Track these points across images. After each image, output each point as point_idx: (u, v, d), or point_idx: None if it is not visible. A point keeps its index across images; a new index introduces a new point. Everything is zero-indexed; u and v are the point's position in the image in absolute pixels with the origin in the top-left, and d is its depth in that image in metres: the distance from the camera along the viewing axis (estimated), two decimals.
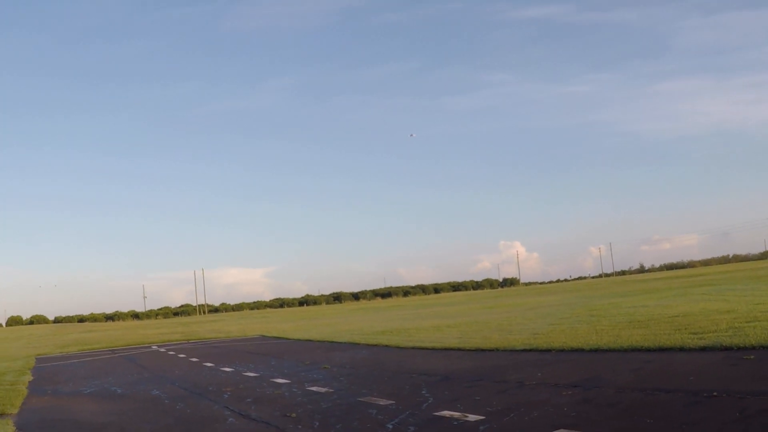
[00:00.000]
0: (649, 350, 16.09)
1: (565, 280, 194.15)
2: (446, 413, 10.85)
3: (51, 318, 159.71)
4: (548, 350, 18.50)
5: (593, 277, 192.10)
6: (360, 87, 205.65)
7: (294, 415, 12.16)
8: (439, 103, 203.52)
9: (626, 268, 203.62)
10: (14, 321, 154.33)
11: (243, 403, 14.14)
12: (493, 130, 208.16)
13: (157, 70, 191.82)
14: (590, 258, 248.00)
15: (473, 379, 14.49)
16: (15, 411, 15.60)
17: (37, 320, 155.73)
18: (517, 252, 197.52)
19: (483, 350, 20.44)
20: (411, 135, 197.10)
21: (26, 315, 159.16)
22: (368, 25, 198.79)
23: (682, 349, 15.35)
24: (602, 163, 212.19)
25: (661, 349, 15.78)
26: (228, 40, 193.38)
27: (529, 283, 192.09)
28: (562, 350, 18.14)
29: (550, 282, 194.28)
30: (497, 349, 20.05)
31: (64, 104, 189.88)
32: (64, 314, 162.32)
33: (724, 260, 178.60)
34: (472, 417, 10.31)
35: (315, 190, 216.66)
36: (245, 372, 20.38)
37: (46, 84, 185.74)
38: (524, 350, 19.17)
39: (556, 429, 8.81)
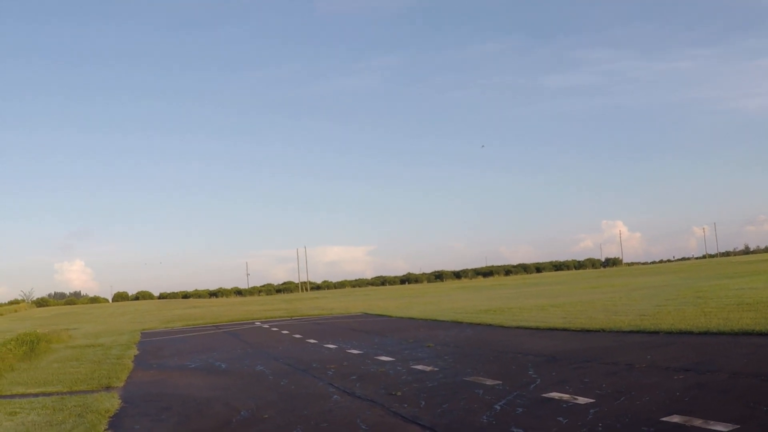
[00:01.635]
0: (761, 334, 15.73)
1: (668, 260, 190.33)
2: (555, 395, 10.75)
3: (156, 294, 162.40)
4: (656, 332, 18.22)
5: (697, 258, 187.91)
6: (457, 67, 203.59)
7: (399, 393, 12.19)
8: (536, 82, 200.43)
9: (730, 249, 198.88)
10: (120, 297, 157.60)
11: (347, 381, 14.23)
12: (592, 108, 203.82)
13: (253, 54, 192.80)
14: (693, 238, 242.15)
15: (581, 361, 14.34)
16: (121, 384, 16.00)
17: (143, 296, 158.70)
18: (620, 231, 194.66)
19: (589, 331, 20.24)
20: (482, 146, 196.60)
21: (132, 291, 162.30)
22: (466, 4, 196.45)
23: None
24: (705, 141, 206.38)
25: None
26: (324, 23, 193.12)
27: (632, 263, 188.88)
28: (670, 332, 17.85)
29: (653, 262, 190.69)
30: (603, 330, 19.83)
31: (165, 91, 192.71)
32: (168, 290, 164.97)
33: None
34: (581, 400, 10.19)
35: (415, 171, 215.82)
36: (349, 349, 20.52)
37: (147, 71, 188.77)
38: (631, 332, 18.92)
39: (670, 414, 8.63)
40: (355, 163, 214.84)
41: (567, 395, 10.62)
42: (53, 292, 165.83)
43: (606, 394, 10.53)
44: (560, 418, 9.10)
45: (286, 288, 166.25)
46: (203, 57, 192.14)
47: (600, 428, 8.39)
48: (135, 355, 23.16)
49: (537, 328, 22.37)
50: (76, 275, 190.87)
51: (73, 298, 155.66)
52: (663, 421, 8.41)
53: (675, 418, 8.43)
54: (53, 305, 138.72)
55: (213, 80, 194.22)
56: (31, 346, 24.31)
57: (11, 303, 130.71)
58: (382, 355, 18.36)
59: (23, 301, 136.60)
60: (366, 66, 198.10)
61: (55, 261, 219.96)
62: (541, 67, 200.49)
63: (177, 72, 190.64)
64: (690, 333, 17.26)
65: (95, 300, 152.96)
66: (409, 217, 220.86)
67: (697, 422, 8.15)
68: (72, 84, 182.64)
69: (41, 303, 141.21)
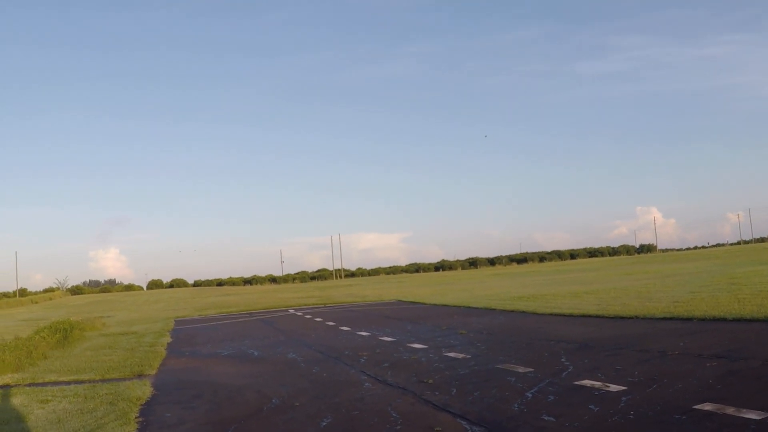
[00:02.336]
0: None
1: (703, 246, 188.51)
2: (587, 382, 10.70)
3: (190, 282, 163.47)
4: (689, 319, 18.08)
5: (731, 244, 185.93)
6: (491, 53, 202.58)
7: (431, 381, 12.17)
8: (570, 68, 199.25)
9: (765, 235, 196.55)
10: (155, 285, 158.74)
11: (379, 368, 14.24)
12: (625, 95, 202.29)
13: (288, 41, 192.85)
14: (728, 224, 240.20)
15: (613, 348, 14.25)
16: (153, 372, 16.11)
17: (177, 284, 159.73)
18: (654, 218, 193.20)
19: (622, 318, 20.13)
20: (485, 136, 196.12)
21: (166, 279, 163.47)
22: None
23: None
24: (739, 126, 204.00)
25: None
26: (358, 9, 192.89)
27: (666, 250, 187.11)
28: (703, 319, 17.70)
29: (688, 249, 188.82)
30: (637, 317, 19.70)
31: (199, 78, 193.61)
32: (203, 278, 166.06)
33: None
34: (613, 387, 10.12)
35: (449, 158, 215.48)
36: (381, 336, 20.54)
37: (179, 58, 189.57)
38: (664, 318, 18.79)
39: (702, 402, 8.55)
40: (390, 150, 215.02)
41: (599, 383, 10.56)
42: (88, 280, 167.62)
43: (638, 381, 10.45)
44: (592, 406, 9.05)
45: (321, 275, 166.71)
46: (238, 44, 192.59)
47: (632, 416, 8.33)
48: (168, 343, 23.33)
49: (570, 315, 22.31)
50: (111, 263, 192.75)
51: (108, 286, 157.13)
52: (695, 409, 8.34)
53: (707, 406, 8.36)
54: (88, 293, 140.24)
55: (248, 67, 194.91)
56: (65, 333, 24.52)
57: (46, 291, 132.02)
58: (414, 342, 18.35)
59: (58, 289, 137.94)
60: (400, 52, 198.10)
61: (89, 249, 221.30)
62: (574, 54, 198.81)
63: (212, 59, 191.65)
64: (723, 320, 17.10)
65: (130, 288, 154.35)
66: (444, 204, 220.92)
67: (730, 410, 8.08)
68: (108, 71, 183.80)
69: (76, 291, 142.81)
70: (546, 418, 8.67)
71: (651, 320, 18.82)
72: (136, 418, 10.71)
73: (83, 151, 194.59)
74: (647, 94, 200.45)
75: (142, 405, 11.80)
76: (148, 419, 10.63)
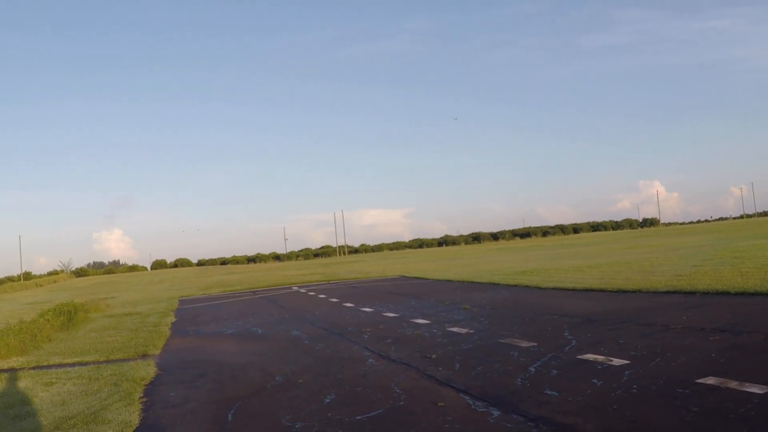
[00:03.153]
0: None
1: (706, 220, 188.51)
2: (590, 356, 10.70)
3: (194, 261, 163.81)
4: (692, 293, 18.08)
5: (734, 218, 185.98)
6: (492, 28, 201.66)
7: (434, 356, 12.19)
8: (572, 43, 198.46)
9: None
10: (159, 265, 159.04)
11: (383, 344, 14.26)
12: (628, 68, 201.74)
13: (285, 19, 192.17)
14: (731, 198, 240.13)
15: (616, 322, 14.25)
16: (157, 352, 16.14)
17: (181, 263, 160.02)
18: (657, 191, 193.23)
19: (625, 291, 20.14)
20: (455, 118, 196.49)
21: (170, 259, 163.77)
22: None
23: None
24: (742, 99, 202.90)
25: None
26: None
27: (669, 224, 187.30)
28: (706, 293, 17.69)
29: (691, 222, 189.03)
30: (639, 291, 19.72)
31: (198, 57, 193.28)
32: (207, 257, 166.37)
33: None
34: (616, 361, 10.13)
35: (452, 133, 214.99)
36: (385, 312, 20.55)
37: (178, 39, 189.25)
38: (667, 292, 18.79)
39: (705, 376, 8.53)
40: (392, 127, 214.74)
41: (602, 357, 10.57)
42: (92, 262, 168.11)
43: (641, 355, 10.45)
44: (595, 380, 9.05)
45: (324, 252, 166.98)
46: (236, 23, 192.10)
47: (634, 390, 8.33)
48: (172, 323, 23.38)
49: (573, 289, 22.32)
50: (115, 244, 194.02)
51: (112, 267, 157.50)
52: (698, 382, 8.33)
53: (710, 380, 8.35)
54: (92, 275, 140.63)
55: (246, 46, 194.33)
56: (69, 316, 24.55)
57: (51, 274, 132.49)
58: (418, 317, 18.38)
59: (62, 271, 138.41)
60: (399, 29, 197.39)
61: (93, 231, 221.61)
62: (576, 27, 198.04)
63: (210, 39, 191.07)
64: (726, 293, 17.09)
65: (134, 268, 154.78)
66: (447, 179, 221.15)
67: (733, 384, 8.07)
68: (109, 54, 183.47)
69: (80, 273, 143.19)
70: (549, 392, 8.67)
71: (654, 294, 18.82)
72: (140, 398, 10.73)
73: (85, 133, 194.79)
74: (650, 68, 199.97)
75: (146, 385, 11.82)
76: (152, 399, 10.65)
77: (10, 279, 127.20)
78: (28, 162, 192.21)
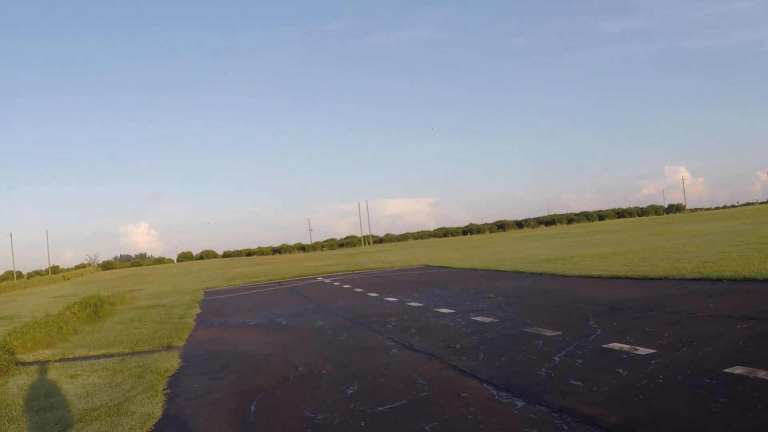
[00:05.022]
0: None
1: (732, 206, 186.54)
2: (615, 346, 10.59)
3: (220, 253, 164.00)
4: (719, 279, 17.87)
5: (761, 203, 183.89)
6: (512, 14, 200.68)
7: (458, 346, 12.12)
8: (593, 27, 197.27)
9: None
10: (185, 257, 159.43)
11: (406, 334, 14.21)
12: (651, 52, 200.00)
13: (307, 10, 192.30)
14: (758, 183, 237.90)
15: (642, 310, 14.11)
16: (182, 344, 16.18)
17: (207, 255, 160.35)
18: (683, 177, 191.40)
19: (651, 279, 19.95)
20: (431, 128, 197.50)
21: (196, 251, 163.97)
22: None
23: None
24: None
25: None
26: None
27: (695, 209, 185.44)
28: (734, 279, 17.47)
29: (717, 208, 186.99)
30: (666, 278, 19.53)
31: (223, 49, 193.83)
32: (232, 249, 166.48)
33: None
34: (642, 350, 10.01)
35: (475, 121, 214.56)
36: (409, 302, 20.49)
37: (201, 30, 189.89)
38: (694, 279, 18.61)
39: (733, 366, 8.40)
40: (415, 116, 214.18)
41: (628, 346, 10.46)
42: (119, 255, 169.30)
43: (667, 344, 10.33)
44: (620, 370, 8.95)
45: (349, 242, 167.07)
46: (259, 14, 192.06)
47: (661, 380, 8.22)
48: (197, 314, 23.44)
49: (599, 277, 22.19)
50: (141, 237, 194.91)
51: (139, 260, 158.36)
52: (725, 372, 8.21)
53: (738, 369, 8.23)
54: (119, 268, 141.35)
55: (268, 37, 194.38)
56: (95, 308, 24.66)
57: (78, 267, 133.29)
58: (442, 307, 18.32)
59: (89, 264, 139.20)
60: (420, 17, 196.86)
61: (120, 224, 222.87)
62: (597, 12, 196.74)
63: (235, 30, 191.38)
64: (754, 280, 16.88)
65: (160, 261, 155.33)
66: (471, 168, 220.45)
67: (761, 373, 7.95)
68: (133, 45, 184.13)
69: (107, 266, 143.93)
70: (574, 382, 8.59)
71: (680, 281, 18.65)
72: (163, 390, 10.75)
73: (110, 127, 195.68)
74: (672, 52, 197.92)
75: (169, 377, 11.85)
76: (176, 391, 10.66)
77: (38, 273, 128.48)
78: (54, 157, 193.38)
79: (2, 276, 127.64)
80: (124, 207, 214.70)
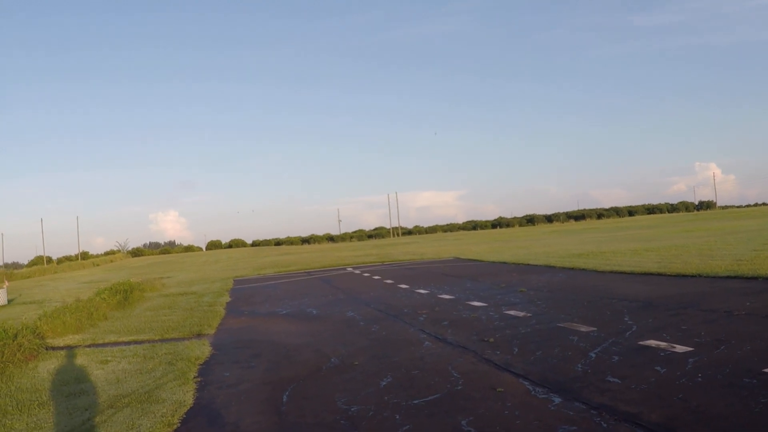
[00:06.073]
0: None
1: (764, 203, 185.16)
2: (652, 343, 10.47)
3: (249, 242, 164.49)
4: (754, 278, 17.72)
5: None
6: (544, 7, 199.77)
7: (492, 340, 12.04)
8: (623, 21, 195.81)
9: None
10: (214, 245, 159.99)
11: (439, 327, 14.14)
12: (682, 47, 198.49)
13: (337, 1, 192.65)
14: None
15: (677, 307, 13.96)
16: (212, 332, 16.20)
17: (236, 244, 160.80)
18: (713, 174, 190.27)
19: (684, 276, 19.81)
20: (435, 133, 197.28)
21: (225, 239, 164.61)
22: None
23: None
24: None
25: None
26: None
27: (726, 207, 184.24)
28: None
29: (748, 206, 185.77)
30: (699, 275, 19.39)
31: (252, 40, 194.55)
32: (261, 238, 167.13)
33: None
34: (679, 348, 9.88)
35: (505, 115, 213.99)
36: (440, 294, 20.42)
37: (233, 21, 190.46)
38: (728, 277, 18.46)
39: None
40: (445, 108, 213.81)
41: (664, 343, 10.33)
42: (148, 242, 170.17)
43: (704, 342, 10.19)
44: (658, 368, 8.83)
45: (378, 233, 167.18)
46: (289, 6, 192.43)
47: (699, 379, 8.10)
48: (227, 303, 23.47)
49: (631, 273, 22.03)
50: (171, 225, 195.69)
51: (168, 248, 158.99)
52: (765, 372, 8.09)
53: None
54: (148, 255, 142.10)
55: (298, 28, 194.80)
56: (125, 295, 24.78)
57: (107, 254, 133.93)
58: (474, 300, 18.24)
59: (119, 251, 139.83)
60: (447, 10, 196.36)
61: (149, 212, 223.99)
62: (628, 6, 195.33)
63: (265, 22, 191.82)
64: None
65: (189, 249, 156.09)
66: (500, 161, 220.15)
67: None
68: (165, 34, 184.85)
69: (136, 253, 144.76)
70: (611, 379, 8.47)
71: (714, 279, 18.48)
72: (194, 377, 10.73)
73: (140, 114, 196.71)
74: (704, 47, 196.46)
75: (200, 365, 11.85)
76: (207, 379, 10.64)
77: (67, 258, 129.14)
78: (85, 143, 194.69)
79: (32, 261, 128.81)
80: (155, 195, 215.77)
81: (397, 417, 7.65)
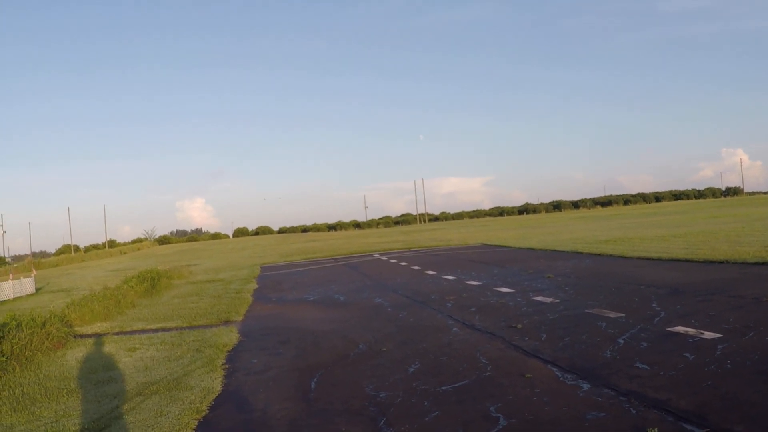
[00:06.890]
0: None
1: None
2: (680, 329, 10.43)
3: (275, 229, 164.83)
4: None
5: None
6: None
7: (520, 326, 12.04)
8: (651, 6, 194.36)
9: None
10: (240, 232, 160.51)
11: (467, 313, 14.14)
12: (708, 33, 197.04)
13: None
14: None
15: (705, 293, 13.89)
16: (240, 318, 16.27)
17: (262, 231, 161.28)
18: (740, 160, 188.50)
19: (712, 262, 19.71)
20: (420, 137, 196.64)
21: (252, 227, 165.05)
22: None
23: None
24: None
25: None
26: None
27: (753, 193, 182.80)
28: None
29: None
30: (727, 261, 19.28)
31: (283, 26, 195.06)
32: (287, 225, 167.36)
33: None
34: (708, 334, 9.84)
35: (531, 101, 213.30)
36: (468, 280, 20.41)
37: (261, 8, 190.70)
38: (756, 263, 18.34)
39: None
40: (471, 95, 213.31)
41: (693, 330, 10.29)
42: (175, 230, 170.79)
43: (733, 329, 10.14)
44: (686, 354, 8.79)
45: (404, 220, 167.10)
46: None
47: (729, 366, 8.06)
48: (254, 289, 23.53)
49: (659, 259, 21.92)
50: (197, 213, 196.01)
51: (195, 235, 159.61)
52: None
53: None
54: (175, 242, 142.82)
55: (324, 15, 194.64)
56: (153, 282, 24.91)
57: (134, 242, 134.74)
58: (501, 286, 18.22)
59: (146, 239, 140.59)
60: None
61: (176, 200, 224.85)
62: None
63: (295, 8, 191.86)
64: None
65: (216, 236, 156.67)
66: (527, 147, 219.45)
67: None
68: (195, 23, 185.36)
69: (163, 241, 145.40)
70: (639, 365, 8.44)
71: (742, 265, 18.36)
72: (222, 364, 10.79)
73: (167, 103, 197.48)
74: (731, 32, 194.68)
75: (228, 352, 11.90)
76: (235, 366, 10.69)
77: (95, 247, 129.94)
78: (113, 132, 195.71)
79: (60, 249, 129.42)
80: (181, 182, 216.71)
81: (426, 403, 7.66)
